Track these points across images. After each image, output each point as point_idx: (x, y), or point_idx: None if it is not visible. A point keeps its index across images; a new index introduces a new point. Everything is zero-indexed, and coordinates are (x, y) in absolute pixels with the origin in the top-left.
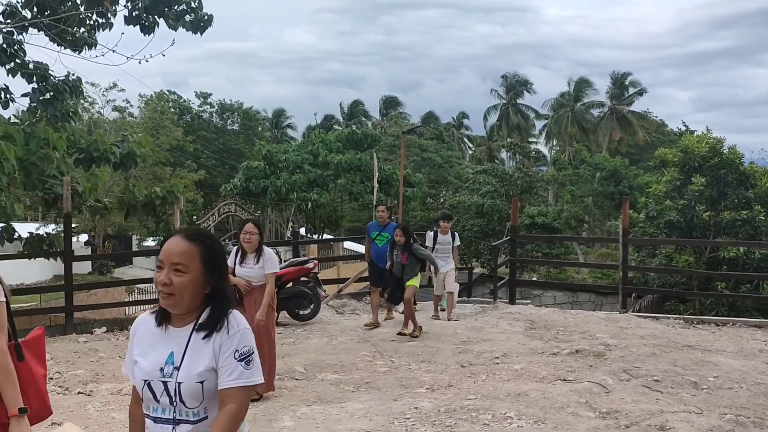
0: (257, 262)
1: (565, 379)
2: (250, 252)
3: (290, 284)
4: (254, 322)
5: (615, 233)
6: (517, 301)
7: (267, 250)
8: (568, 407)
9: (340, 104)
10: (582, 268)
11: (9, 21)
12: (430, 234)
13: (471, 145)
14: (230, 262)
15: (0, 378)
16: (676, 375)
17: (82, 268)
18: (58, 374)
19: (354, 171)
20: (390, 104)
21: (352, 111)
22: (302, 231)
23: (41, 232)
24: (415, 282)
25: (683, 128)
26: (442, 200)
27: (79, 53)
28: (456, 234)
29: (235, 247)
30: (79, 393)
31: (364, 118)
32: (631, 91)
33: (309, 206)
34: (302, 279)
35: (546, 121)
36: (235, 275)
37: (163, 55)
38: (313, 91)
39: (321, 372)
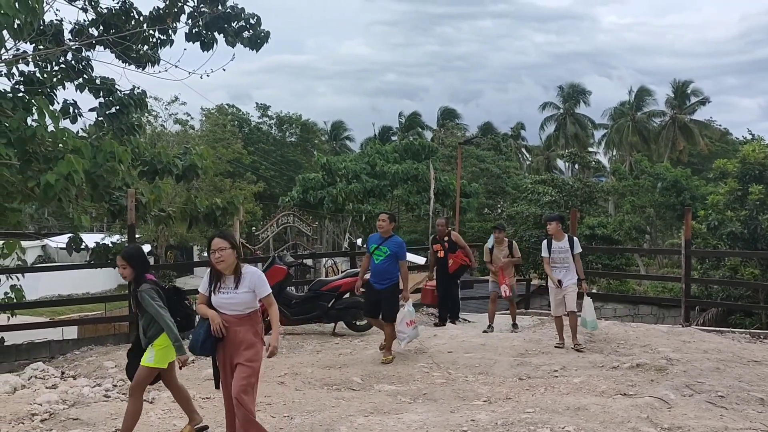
0: (237, 285)
1: (625, 394)
2: (226, 273)
3: (347, 294)
4: (269, 351)
5: (678, 246)
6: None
7: (248, 267)
8: (629, 422)
9: (400, 114)
10: (643, 280)
11: (77, 39)
12: (544, 244)
13: (528, 156)
14: (202, 288)
15: None
16: (742, 391)
17: None
18: (122, 381)
19: (411, 181)
20: (448, 115)
21: (410, 122)
22: (359, 242)
23: (107, 242)
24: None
25: (749, 137)
26: (499, 211)
27: (143, 69)
28: (576, 239)
29: (208, 270)
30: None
31: (421, 129)
32: (693, 99)
33: (363, 218)
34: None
35: (604, 130)
36: (212, 306)
37: (224, 70)
38: (370, 103)
39: (378, 383)
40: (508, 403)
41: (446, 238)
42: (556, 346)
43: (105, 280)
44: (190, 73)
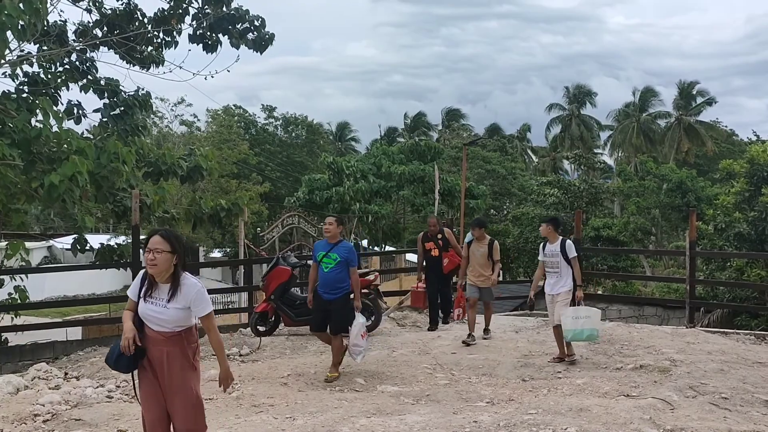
0: (171, 297)
1: (628, 395)
2: (159, 280)
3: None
4: (221, 385)
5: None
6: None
7: (189, 279)
8: (632, 423)
9: (405, 115)
10: (648, 281)
11: (81, 39)
12: (540, 246)
13: (534, 157)
14: (131, 291)
15: None
16: (746, 392)
17: None
18: (125, 382)
19: (417, 182)
20: (453, 116)
21: (415, 123)
22: (364, 243)
23: (112, 243)
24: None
25: (754, 138)
26: (505, 212)
27: (147, 70)
28: (570, 243)
29: (142, 272)
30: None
31: (427, 130)
32: (699, 100)
33: (370, 218)
34: (363, 291)
35: (609, 131)
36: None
37: (228, 71)
38: (377, 104)
39: (381, 384)
40: (511, 404)
41: (439, 236)
42: (551, 360)
43: (111, 280)
44: (194, 74)
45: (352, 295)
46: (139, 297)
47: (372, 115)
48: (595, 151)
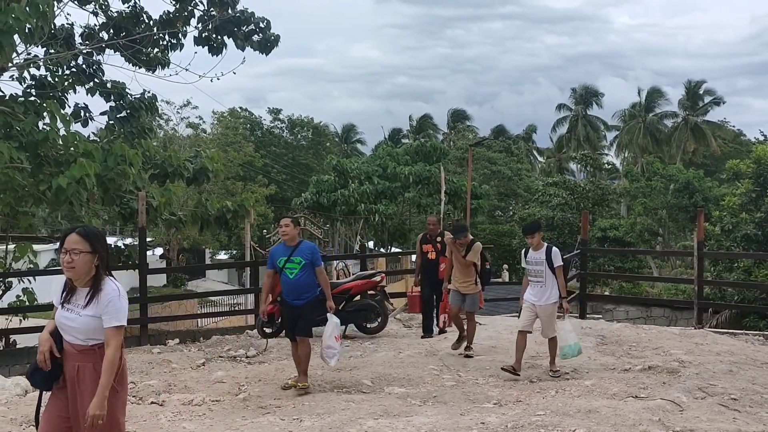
0: (88, 303)
1: (637, 396)
2: (77, 284)
3: (358, 297)
4: (87, 420)
5: (690, 248)
6: (587, 315)
7: (110, 284)
8: (640, 425)
9: (410, 117)
10: (656, 282)
11: (88, 42)
12: (522, 253)
13: (540, 158)
14: (55, 298)
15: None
16: (755, 393)
17: (157, 280)
18: (133, 384)
19: (422, 183)
20: (458, 117)
21: (420, 124)
22: (370, 244)
23: (119, 245)
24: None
25: (761, 138)
26: (511, 213)
27: (153, 72)
28: (555, 249)
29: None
30: (152, 403)
31: (432, 132)
32: (706, 100)
33: (377, 219)
34: (370, 292)
35: (616, 132)
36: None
37: (234, 73)
38: (383, 106)
39: (388, 385)
40: (519, 405)
41: (438, 238)
42: (503, 368)
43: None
44: (200, 76)
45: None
46: (59, 302)
47: (377, 116)
48: (602, 151)
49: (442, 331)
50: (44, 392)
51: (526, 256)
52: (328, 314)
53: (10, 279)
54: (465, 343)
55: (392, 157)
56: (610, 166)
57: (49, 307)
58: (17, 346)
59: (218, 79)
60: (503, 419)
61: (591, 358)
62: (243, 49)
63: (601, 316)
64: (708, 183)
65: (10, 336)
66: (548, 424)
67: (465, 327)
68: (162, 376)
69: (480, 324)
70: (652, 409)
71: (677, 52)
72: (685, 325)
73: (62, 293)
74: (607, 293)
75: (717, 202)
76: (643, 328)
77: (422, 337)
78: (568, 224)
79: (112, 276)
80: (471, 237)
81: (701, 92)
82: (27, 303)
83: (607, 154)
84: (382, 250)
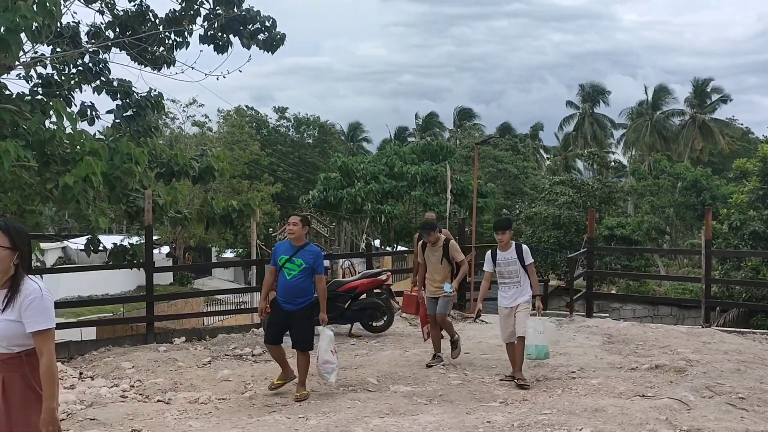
0: (6, 306)
1: (644, 395)
2: None
3: (364, 296)
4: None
5: (698, 246)
6: (594, 314)
7: (31, 284)
8: (647, 424)
9: (416, 115)
10: (663, 281)
11: (94, 41)
12: (487, 255)
13: (547, 156)
14: None
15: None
16: (763, 392)
17: (164, 279)
18: (139, 382)
19: (429, 183)
20: (464, 116)
21: (426, 123)
22: (376, 243)
23: (125, 243)
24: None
25: None
26: (517, 211)
27: (159, 71)
28: (526, 247)
29: None
30: (158, 401)
31: (438, 130)
32: (714, 97)
33: (383, 218)
34: (376, 291)
35: (623, 130)
36: None
37: (240, 71)
38: (389, 104)
39: (394, 384)
40: (525, 404)
41: None
42: (502, 380)
43: (124, 281)
44: (206, 74)
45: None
46: None
47: (384, 114)
48: (609, 149)
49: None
50: None
51: (495, 259)
52: (321, 328)
53: None
54: (457, 349)
55: (399, 156)
56: (616, 164)
57: (58, 305)
58: None
59: (224, 77)
60: (509, 418)
61: (597, 356)
62: (249, 48)
63: (607, 314)
64: (716, 181)
65: None
66: (555, 423)
67: (439, 338)
68: (168, 374)
69: (486, 322)
70: (659, 408)
71: (685, 50)
72: (692, 323)
73: None
74: (613, 292)
75: (725, 201)
76: (650, 327)
77: (425, 341)
78: (574, 222)
79: (34, 278)
80: (441, 235)
81: (709, 90)
82: None
83: (614, 152)
84: (388, 248)
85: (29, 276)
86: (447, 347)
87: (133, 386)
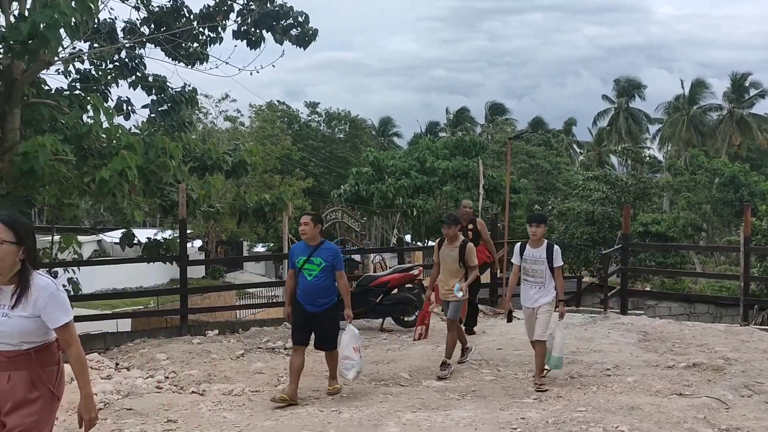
0: (16, 303)
1: (681, 394)
2: (1, 281)
3: (395, 291)
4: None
5: (736, 243)
6: (629, 311)
7: (41, 280)
8: (685, 423)
9: (447, 110)
10: (699, 278)
11: (130, 37)
12: (516, 247)
13: (580, 151)
14: None
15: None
16: None
17: (196, 272)
18: (174, 374)
19: (460, 178)
20: (496, 111)
21: (458, 118)
22: (407, 238)
23: (159, 237)
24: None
25: None
26: (550, 207)
27: (192, 66)
28: (557, 248)
29: None
30: (192, 392)
31: (470, 125)
32: (752, 92)
33: (414, 213)
34: (407, 285)
35: (659, 125)
36: None
37: (273, 66)
38: (420, 99)
39: (426, 379)
40: (560, 401)
41: (470, 226)
42: (537, 389)
43: (157, 274)
44: (240, 69)
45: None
46: None
47: (415, 109)
48: (644, 145)
49: (469, 332)
50: None
51: (522, 253)
52: (346, 323)
53: (55, 269)
54: (466, 357)
55: (431, 151)
56: (651, 160)
57: (93, 297)
58: None
59: (257, 72)
60: (544, 415)
61: (633, 354)
62: (281, 43)
63: (642, 312)
64: (754, 177)
65: None
66: (590, 420)
67: (454, 343)
68: (202, 366)
69: (518, 318)
70: (697, 407)
71: (722, 44)
72: (729, 321)
73: None
74: (648, 289)
75: (763, 197)
76: (686, 325)
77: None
78: (608, 219)
79: (42, 272)
80: (462, 236)
81: (747, 84)
82: (72, 292)
83: (649, 148)
84: (419, 243)
85: (37, 271)
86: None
87: (167, 377)
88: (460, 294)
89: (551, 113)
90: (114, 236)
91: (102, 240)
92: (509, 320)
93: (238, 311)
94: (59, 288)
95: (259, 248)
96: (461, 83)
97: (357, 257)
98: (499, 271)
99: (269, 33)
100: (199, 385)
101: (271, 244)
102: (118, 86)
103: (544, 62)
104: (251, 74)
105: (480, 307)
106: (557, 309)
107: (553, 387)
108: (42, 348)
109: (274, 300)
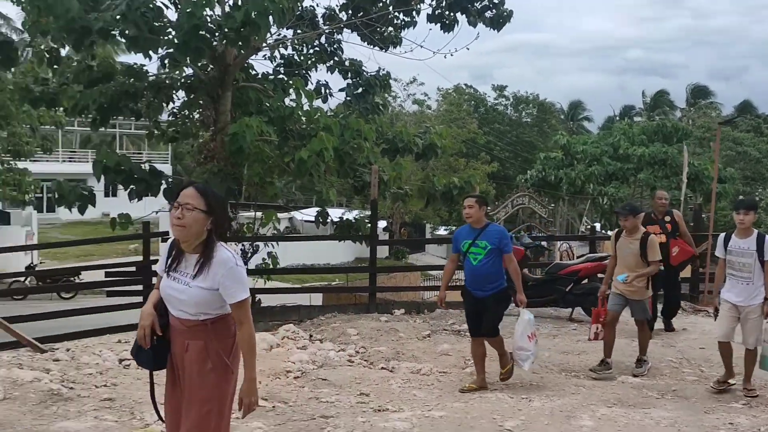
0: (198, 273)
1: None
2: (185, 248)
3: (586, 280)
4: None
5: None
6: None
7: (224, 252)
8: None
9: (643, 93)
10: None
11: (329, 23)
12: (720, 238)
13: None
14: (159, 265)
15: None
16: None
17: (380, 252)
18: (363, 349)
19: (657, 165)
20: (698, 94)
21: (655, 101)
22: (597, 226)
23: (350, 217)
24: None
25: None
26: (758, 198)
27: (387, 50)
28: (767, 237)
29: (170, 240)
30: (382, 368)
31: (668, 109)
32: None
33: (605, 201)
34: (600, 275)
35: None
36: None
37: (467, 49)
38: (612, 81)
39: (621, 373)
40: None
41: (667, 218)
42: (714, 387)
43: (344, 252)
44: (434, 53)
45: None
46: (164, 268)
47: (607, 92)
48: None
49: (668, 328)
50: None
51: (726, 244)
52: (520, 310)
53: (257, 243)
54: (643, 368)
55: (627, 137)
56: None
57: (289, 270)
58: (261, 305)
59: (451, 55)
60: (755, 422)
61: None
62: (475, 26)
63: None
64: None
65: (256, 295)
66: None
67: (612, 341)
68: (390, 343)
69: None
70: None
71: None
72: None
73: (167, 259)
74: None
75: None
76: None
77: (666, 330)
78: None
79: (226, 246)
80: (643, 228)
81: None
82: (271, 266)
83: None
84: (609, 233)
85: (221, 244)
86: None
87: (358, 352)
88: (623, 279)
89: (762, 97)
90: (308, 214)
91: (293, 217)
92: (716, 318)
93: (422, 292)
94: (239, 263)
95: (441, 231)
96: (660, 64)
97: (544, 243)
98: (701, 266)
99: (463, 15)
100: (388, 361)
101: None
102: (317, 70)
103: (757, 41)
104: (445, 57)
105: (681, 303)
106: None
107: (764, 392)
108: (218, 320)
109: (457, 282)
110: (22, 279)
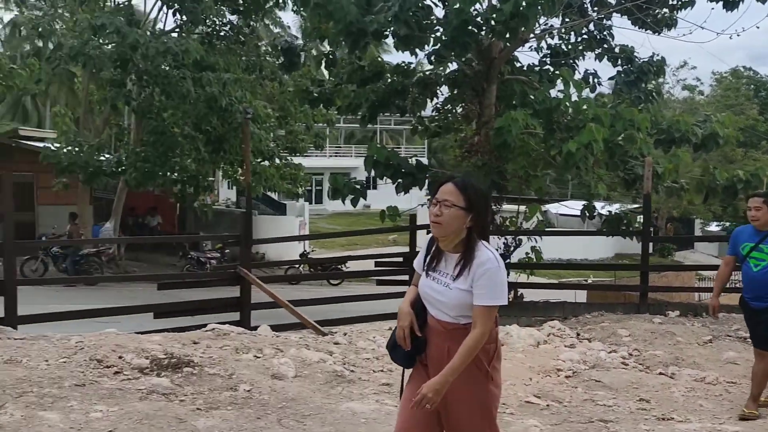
0: (459, 273)
1: None
2: (444, 247)
3: None
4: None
5: None
6: None
7: (486, 252)
8: None
9: None
10: None
11: (598, 8)
12: None
13: None
14: (417, 262)
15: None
16: None
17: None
18: (637, 351)
19: None
20: None
21: None
22: None
23: (619, 211)
24: None
25: None
26: None
27: (660, 33)
28: None
29: (428, 237)
30: (660, 373)
31: None
32: None
33: None
34: None
35: None
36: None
37: (757, 28)
38: None
39: None
40: None
41: None
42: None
43: (602, 248)
44: (718, 33)
45: None
46: (423, 266)
47: None
48: None
49: None
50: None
51: None
52: None
53: (520, 237)
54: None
55: None
56: None
57: (552, 266)
58: (524, 300)
59: (738, 35)
60: None
61: None
62: (764, 2)
63: None
64: None
65: (518, 289)
66: None
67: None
68: (666, 347)
69: None
70: None
71: None
72: None
73: (425, 257)
74: None
75: None
76: None
77: None
78: None
79: (489, 246)
80: None
81: None
82: (534, 260)
83: None
84: None
85: (483, 243)
86: None
87: (631, 354)
88: None
89: None
90: (572, 207)
91: (547, 211)
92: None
93: (697, 293)
94: (501, 266)
95: (713, 227)
96: None
97: None
98: None
99: None
100: (667, 367)
101: (728, 224)
102: (584, 59)
103: None
104: (731, 38)
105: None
106: None
107: None
108: (464, 325)
109: (734, 285)
110: (297, 266)
